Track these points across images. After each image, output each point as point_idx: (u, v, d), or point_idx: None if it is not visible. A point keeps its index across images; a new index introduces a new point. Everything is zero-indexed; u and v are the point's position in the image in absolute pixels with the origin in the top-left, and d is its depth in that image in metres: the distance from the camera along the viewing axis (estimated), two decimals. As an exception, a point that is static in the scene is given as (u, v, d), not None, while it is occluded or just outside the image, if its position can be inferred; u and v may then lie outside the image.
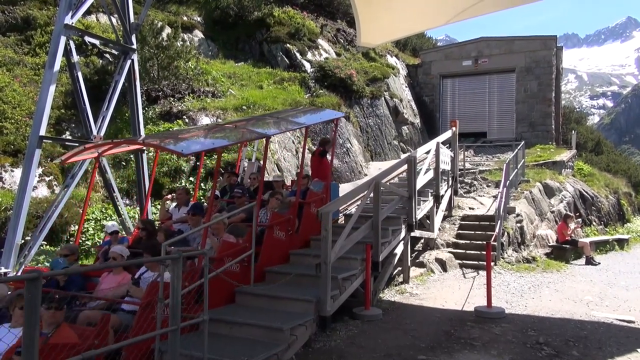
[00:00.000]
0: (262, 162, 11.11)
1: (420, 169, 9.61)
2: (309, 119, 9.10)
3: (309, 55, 20.75)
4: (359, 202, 9.72)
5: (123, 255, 5.86)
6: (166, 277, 4.50)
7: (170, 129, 13.02)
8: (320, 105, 15.74)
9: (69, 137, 12.20)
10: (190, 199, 8.47)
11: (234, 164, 12.04)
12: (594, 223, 16.35)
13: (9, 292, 5.06)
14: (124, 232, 8.91)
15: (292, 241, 7.69)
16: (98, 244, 9.16)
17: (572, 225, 12.89)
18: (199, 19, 21.14)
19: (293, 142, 14.33)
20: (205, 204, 8.58)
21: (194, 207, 7.11)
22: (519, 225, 11.89)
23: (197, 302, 5.03)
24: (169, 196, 8.50)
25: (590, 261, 11.78)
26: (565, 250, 12.12)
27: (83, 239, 9.91)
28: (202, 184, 11.69)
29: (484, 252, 8.18)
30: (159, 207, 11.15)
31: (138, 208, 10.81)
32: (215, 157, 12.58)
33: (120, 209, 10.01)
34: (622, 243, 15.17)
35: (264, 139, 7.41)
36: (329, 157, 9.24)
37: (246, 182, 9.49)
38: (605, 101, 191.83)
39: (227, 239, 6.24)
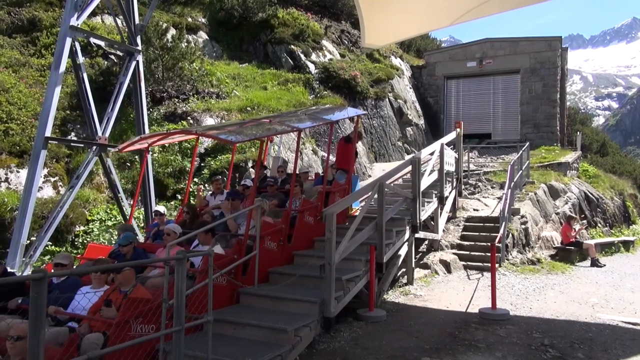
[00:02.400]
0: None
1: (425, 170, 9.59)
2: (335, 115, 10.16)
3: (313, 57, 20.76)
4: (363, 203, 9.80)
5: (176, 232, 6.46)
6: (217, 249, 5.92)
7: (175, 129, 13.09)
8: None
9: (74, 138, 12.26)
10: (224, 188, 9.10)
11: (238, 164, 12.11)
12: (599, 225, 16.26)
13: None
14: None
15: (319, 225, 8.11)
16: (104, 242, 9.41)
17: (576, 227, 12.83)
18: (203, 20, 21.21)
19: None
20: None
21: (232, 194, 7.84)
22: (523, 226, 11.83)
23: (244, 273, 6.34)
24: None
25: (595, 263, 11.72)
26: (570, 252, 12.05)
27: (88, 239, 9.96)
28: (206, 184, 11.74)
29: (489, 254, 8.14)
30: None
31: (142, 208, 10.85)
32: (219, 157, 12.66)
33: (124, 209, 10.05)
34: (627, 245, 15.08)
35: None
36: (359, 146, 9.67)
37: (273, 174, 10.19)
38: (611, 102, 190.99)
39: (266, 220, 6.97)
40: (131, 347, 4.07)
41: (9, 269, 6.98)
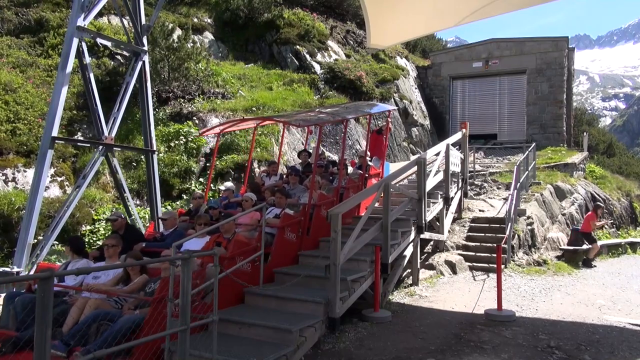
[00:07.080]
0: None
1: (430, 171, 9.57)
2: (372, 110, 12.16)
3: (319, 57, 20.76)
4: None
5: (253, 199, 7.89)
6: (288, 211, 7.37)
7: (181, 130, 13.14)
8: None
9: (81, 138, 12.33)
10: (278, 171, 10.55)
11: (243, 165, 12.14)
12: (606, 226, 16.15)
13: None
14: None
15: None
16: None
17: (602, 221, 12.65)
18: (209, 20, 21.26)
19: (302, 144, 14.36)
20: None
21: (293, 171, 9.82)
22: (529, 227, 11.78)
23: (307, 233, 7.90)
24: (263, 169, 10.78)
25: (589, 263, 11.61)
26: (576, 254, 11.98)
27: (94, 239, 10.00)
28: (212, 185, 11.77)
29: (494, 255, 8.13)
30: (168, 207, 11.25)
31: (148, 208, 10.89)
32: (225, 158, 12.70)
33: (130, 209, 10.09)
34: (634, 246, 14.98)
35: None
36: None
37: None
38: (618, 103, 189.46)
39: (322, 193, 8.55)
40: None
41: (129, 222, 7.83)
